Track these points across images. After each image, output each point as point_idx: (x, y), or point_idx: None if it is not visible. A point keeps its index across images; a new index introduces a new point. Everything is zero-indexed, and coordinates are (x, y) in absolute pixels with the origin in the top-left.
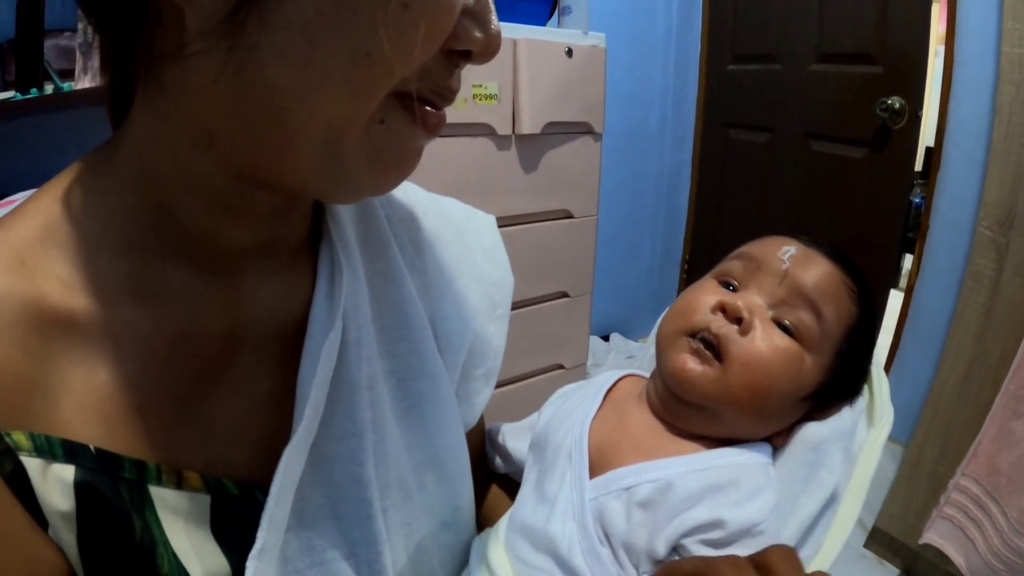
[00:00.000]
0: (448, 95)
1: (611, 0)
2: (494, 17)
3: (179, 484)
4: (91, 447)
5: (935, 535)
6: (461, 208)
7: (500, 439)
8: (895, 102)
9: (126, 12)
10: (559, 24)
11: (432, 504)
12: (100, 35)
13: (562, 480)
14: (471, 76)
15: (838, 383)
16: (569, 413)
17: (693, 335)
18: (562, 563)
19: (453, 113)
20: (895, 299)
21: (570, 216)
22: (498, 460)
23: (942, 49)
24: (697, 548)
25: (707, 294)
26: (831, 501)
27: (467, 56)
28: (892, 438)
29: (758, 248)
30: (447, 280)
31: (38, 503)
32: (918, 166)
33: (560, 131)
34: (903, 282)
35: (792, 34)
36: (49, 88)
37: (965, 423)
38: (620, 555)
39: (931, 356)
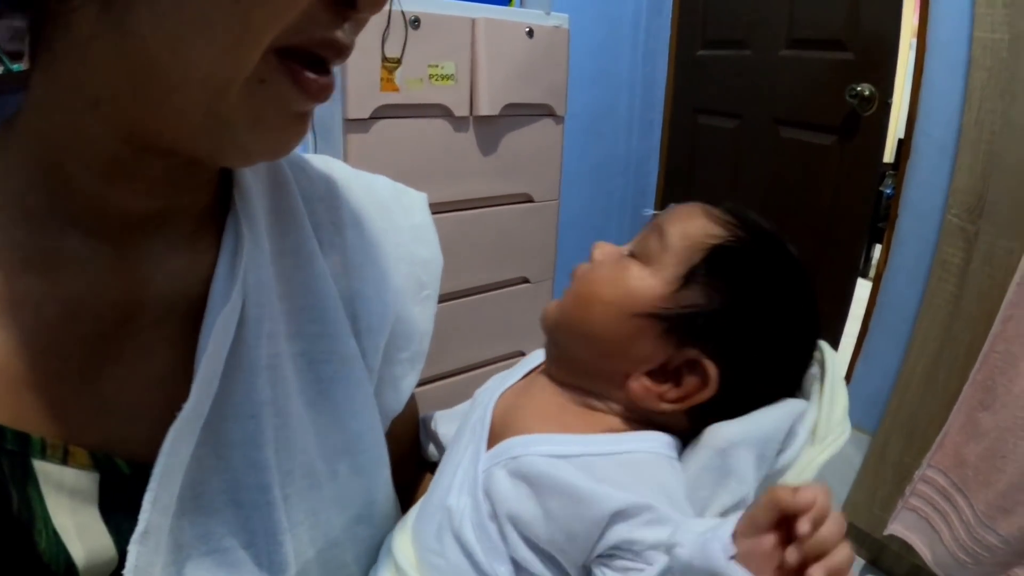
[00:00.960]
0: (335, 49)
1: None
2: None
3: (64, 459)
4: None
5: (901, 526)
6: (390, 185)
7: (432, 425)
8: (865, 89)
9: None
10: (522, 4)
11: (345, 495)
12: None
13: (464, 453)
14: (428, 56)
15: (696, 311)
16: (491, 391)
17: None
18: (457, 538)
19: (409, 94)
20: (864, 288)
21: (531, 200)
22: (431, 447)
23: (916, 42)
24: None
25: None
26: (739, 505)
27: (352, 6)
28: (860, 427)
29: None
30: (370, 259)
31: None
32: (889, 157)
33: (520, 113)
34: (873, 272)
35: (763, 19)
36: None
37: (932, 414)
38: (507, 530)
39: (899, 345)
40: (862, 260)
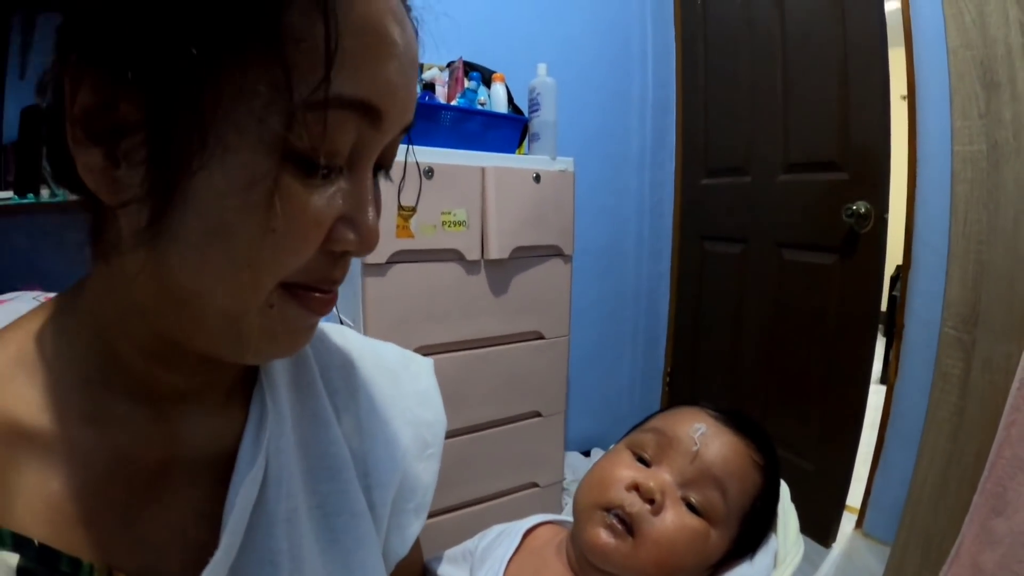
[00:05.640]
0: (332, 283)
1: (589, 122)
2: (369, 215)
3: None
4: (35, 541)
5: None
6: (398, 353)
7: (437, 570)
8: (860, 206)
9: (88, 198)
10: (529, 150)
11: None
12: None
13: None
14: (441, 203)
15: (742, 546)
16: (493, 551)
17: (608, 510)
18: None
19: (423, 240)
20: (878, 394)
21: (541, 337)
22: None
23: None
24: None
25: (622, 468)
26: None
27: (344, 257)
28: (881, 540)
29: (670, 424)
30: (380, 422)
31: None
32: (900, 259)
33: (529, 255)
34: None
35: (760, 147)
36: (45, 194)
37: (945, 525)
38: None
39: (914, 454)
40: (883, 364)
